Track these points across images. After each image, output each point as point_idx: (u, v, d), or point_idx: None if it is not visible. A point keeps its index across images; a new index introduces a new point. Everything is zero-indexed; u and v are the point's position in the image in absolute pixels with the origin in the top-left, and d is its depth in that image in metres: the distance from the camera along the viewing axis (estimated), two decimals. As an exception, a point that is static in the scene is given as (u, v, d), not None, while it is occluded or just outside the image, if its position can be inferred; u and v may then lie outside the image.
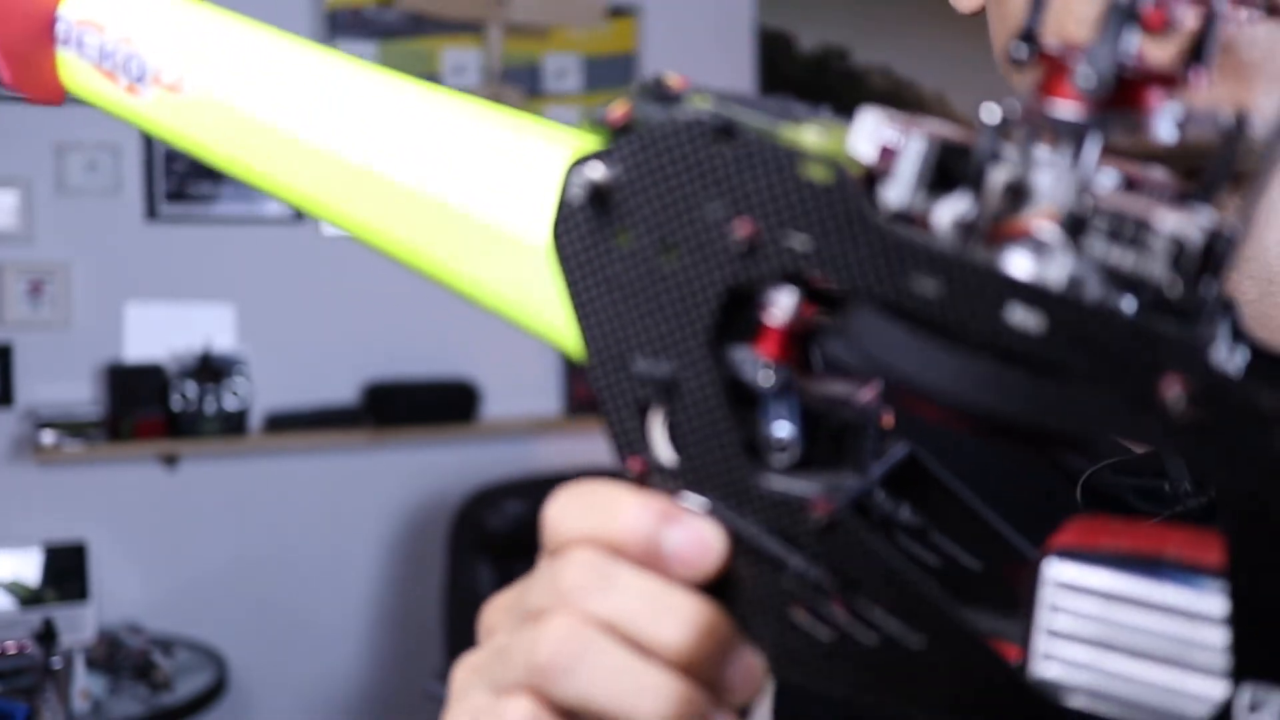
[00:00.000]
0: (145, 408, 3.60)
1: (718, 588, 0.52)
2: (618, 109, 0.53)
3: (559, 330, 0.55)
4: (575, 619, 0.51)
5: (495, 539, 3.65)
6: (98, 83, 0.63)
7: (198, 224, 3.69)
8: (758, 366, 0.51)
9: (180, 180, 3.67)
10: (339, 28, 3.70)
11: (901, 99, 4.14)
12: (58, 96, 0.66)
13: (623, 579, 0.51)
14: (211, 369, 3.66)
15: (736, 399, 0.51)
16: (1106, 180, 0.46)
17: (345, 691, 3.86)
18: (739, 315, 0.52)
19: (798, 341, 0.51)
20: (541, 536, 0.55)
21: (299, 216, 3.77)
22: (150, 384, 3.62)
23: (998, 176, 0.45)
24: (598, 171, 0.52)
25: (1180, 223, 0.41)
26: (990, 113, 0.44)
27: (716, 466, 0.51)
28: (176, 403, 3.63)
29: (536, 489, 3.74)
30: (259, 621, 3.74)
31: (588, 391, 4.01)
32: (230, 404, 3.68)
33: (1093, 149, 0.46)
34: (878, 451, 0.55)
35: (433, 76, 3.82)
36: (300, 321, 3.76)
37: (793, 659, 0.51)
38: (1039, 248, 0.46)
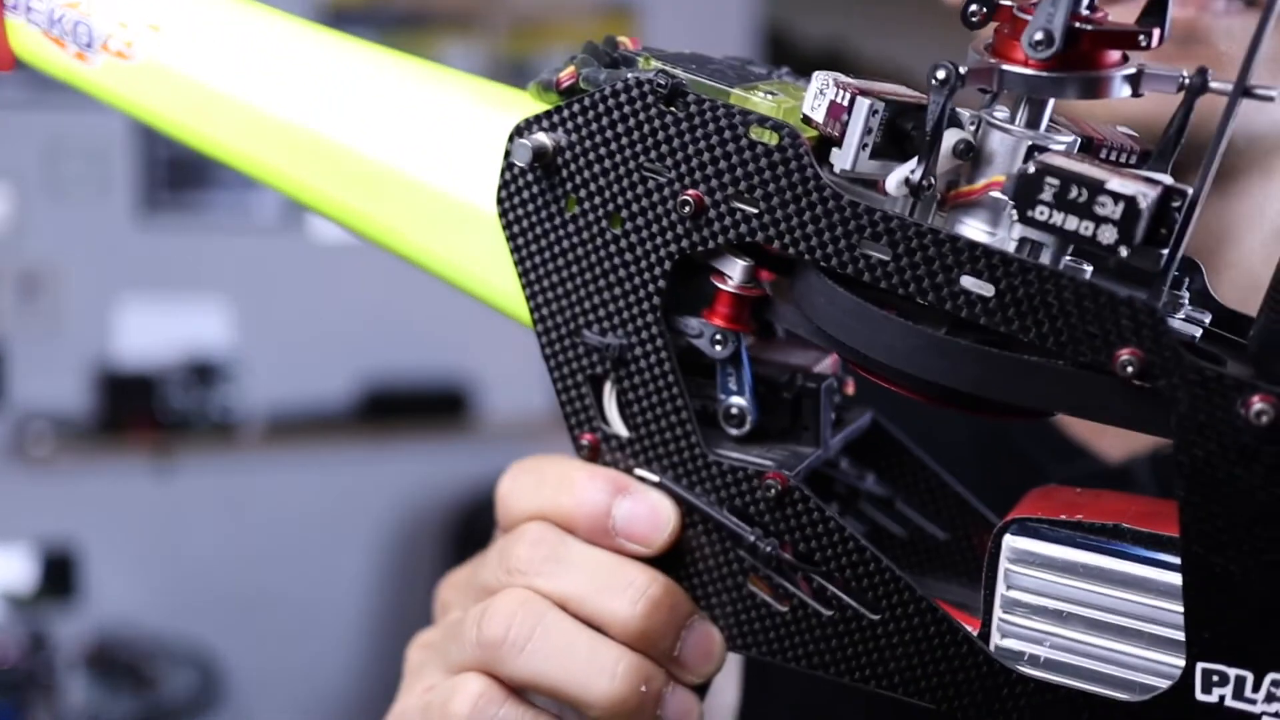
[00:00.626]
0: (138, 409, 3.59)
1: (672, 562, 0.51)
2: (564, 72, 0.52)
3: (512, 300, 0.54)
4: (526, 595, 0.51)
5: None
6: (47, 49, 0.62)
7: (190, 224, 3.68)
8: (710, 334, 0.50)
9: (173, 180, 3.66)
10: (338, 22, 3.68)
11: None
12: (8, 63, 0.65)
13: (574, 554, 0.51)
14: (204, 370, 3.66)
15: (689, 370, 0.51)
16: (1062, 141, 0.45)
17: (339, 693, 3.85)
18: (691, 284, 0.51)
19: (752, 309, 0.50)
20: (497, 514, 0.55)
21: (292, 218, 3.76)
22: (142, 385, 3.61)
23: (950, 139, 0.44)
24: (541, 136, 0.50)
25: (1132, 185, 0.40)
26: (941, 72, 0.43)
27: (669, 439, 0.50)
28: (169, 404, 3.62)
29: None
30: (252, 623, 3.73)
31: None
32: (223, 405, 3.67)
33: (1046, 110, 0.45)
34: (839, 420, 0.54)
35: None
36: (294, 322, 3.76)
37: (751, 632, 0.50)
38: (993, 215, 0.45)
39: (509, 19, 3.93)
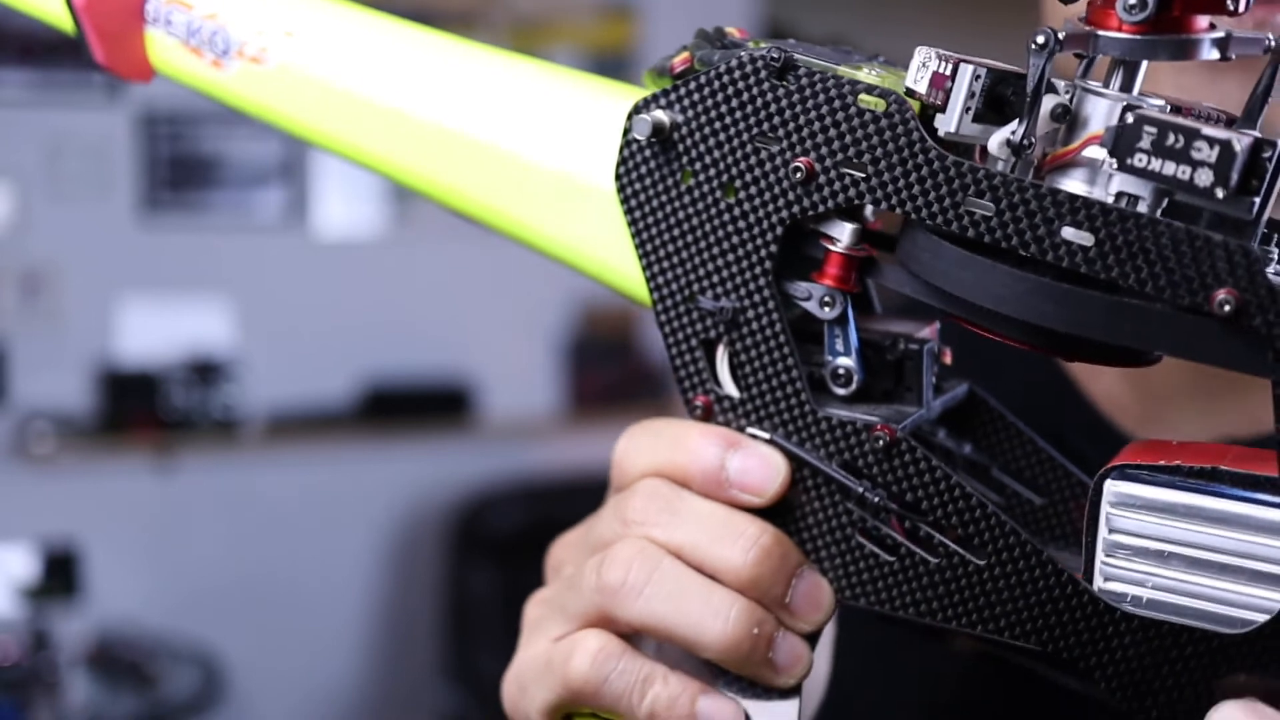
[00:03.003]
0: (139, 408, 3.59)
1: (783, 515, 0.53)
2: (679, 57, 0.55)
3: (625, 276, 0.56)
4: (642, 544, 0.53)
5: (495, 539, 3.66)
6: (184, 59, 0.66)
7: (192, 223, 3.69)
8: (819, 296, 0.52)
9: (174, 179, 3.67)
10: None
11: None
12: (147, 74, 0.68)
13: (688, 506, 0.53)
14: (206, 369, 3.66)
15: (797, 334, 0.53)
16: (1155, 103, 0.47)
17: (341, 691, 3.85)
18: (798, 251, 0.53)
19: (857, 273, 0.52)
20: (611, 475, 0.56)
21: (294, 217, 3.77)
22: (144, 384, 3.61)
23: (1048, 103, 0.47)
24: (659, 113, 0.53)
25: (1226, 132, 0.42)
26: (1040, 37, 0.45)
27: (780, 398, 0.53)
28: (171, 402, 3.63)
29: (537, 489, 3.74)
30: (254, 622, 3.73)
31: (590, 390, 4.01)
32: (224, 404, 3.68)
33: (1139, 73, 0.47)
34: (937, 388, 0.56)
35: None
36: (296, 321, 3.76)
37: (859, 582, 0.52)
38: (1088, 171, 0.47)
39: (509, 19, 3.94)
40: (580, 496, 4.01)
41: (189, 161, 3.67)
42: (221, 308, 3.71)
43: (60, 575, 3.47)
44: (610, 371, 4.02)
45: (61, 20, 0.68)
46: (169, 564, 3.65)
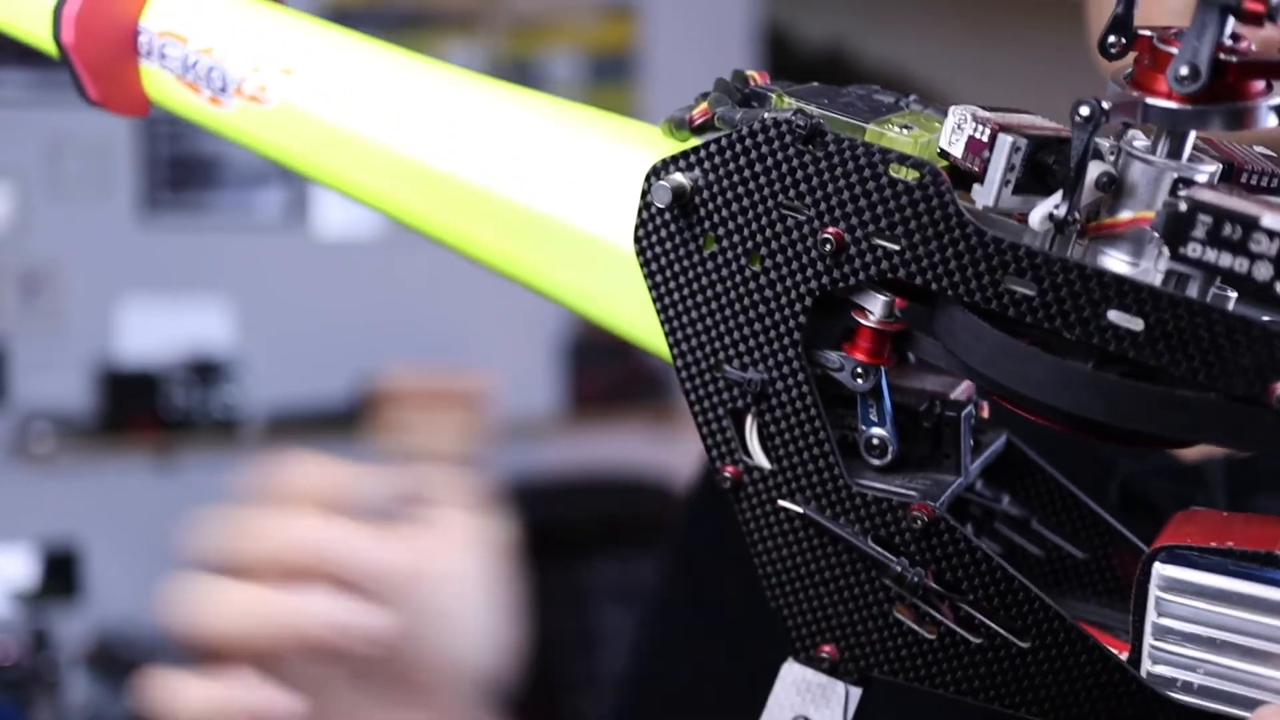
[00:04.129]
0: (140, 408, 3.58)
1: (818, 588, 0.52)
2: (697, 109, 0.52)
3: (647, 333, 0.54)
4: None
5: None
6: (182, 94, 0.63)
7: (192, 223, 3.68)
8: (850, 368, 0.51)
9: (174, 179, 3.66)
10: (338, 22, 3.67)
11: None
12: (143, 109, 0.65)
13: None
14: (206, 369, 3.65)
15: (828, 402, 0.51)
16: (1206, 171, 0.45)
17: (340, 691, 3.85)
18: (830, 318, 0.51)
19: (890, 341, 0.51)
20: None
21: (294, 216, 3.76)
22: (144, 384, 3.60)
23: (1092, 172, 0.45)
24: (679, 176, 0.51)
25: None
26: (1085, 109, 0.44)
27: (812, 471, 0.51)
28: (171, 403, 3.62)
29: (537, 489, 3.73)
30: (254, 622, 3.73)
31: (590, 390, 4.00)
32: (225, 404, 3.67)
33: (1188, 140, 0.45)
34: (976, 444, 0.55)
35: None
36: (296, 321, 3.75)
37: (898, 659, 0.51)
38: (1137, 246, 0.45)
39: (509, 19, 3.93)
40: (580, 496, 4.00)
41: (189, 161, 3.66)
42: (221, 308, 3.70)
43: (60, 575, 3.47)
44: (610, 371, 4.01)
45: (50, 50, 0.65)
46: (169, 564, 3.64)
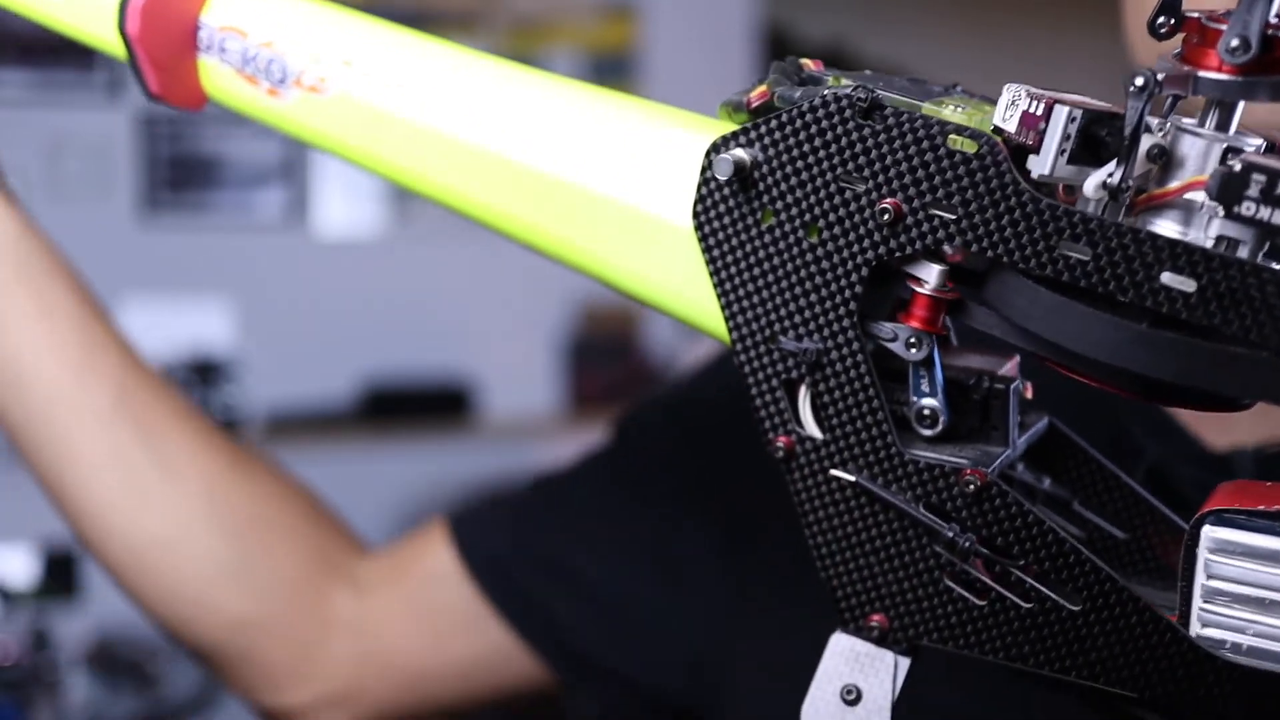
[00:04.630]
0: (140, 408, 3.58)
1: (869, 557, 0.52)
2: (755, 91, 0.54)
3: (703, 312, 0.55)
4: None
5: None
6: (239, 87, 0.64)
7: (192, 224, 3.68)
8: (905, 337, 0.52)
9: (174, 180, 3.66)
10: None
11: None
12: (200, 102, 0.67)
13: None
14: (206, 369, 3.65)
15: (879, 370, 0.52)
16: (1253, 143, 0.46)
17: (340, 691, 3.85)
18: (883, 290, 0.52)
19: (944, 309, 0.52)
20: None
21: (294, 216, 3.76)
22: (144, 384, 3.60)
23: (1144, 144, 0.46)
24: (739, 151, 0.52)
25: None
26: (1140, 79, 0.45)
27: (865, 440, 0.52)
28: (171, 403, 3.62)
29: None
30: (255, 621, 3.73)
31: (590, 390, 4.01)
32: (225, 403, 3.67)
33: (1236, 113, 0.47)
34: (1020, 424, 0.55)
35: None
36: (296, 321, 3.76)
37: (949, 626, 0.51)
38: (1186, 214, 0.46)
39: (509, 19, 3.94)
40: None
41: (189, 161, 3.66)
42: (221, 308, 3.70)
43: (60, 575, 3.46)
44: (610, 371, 4.02)
45: (114, 48, 0.67)
46: (169, 564, 3.64)
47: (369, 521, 3.86)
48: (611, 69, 4.02)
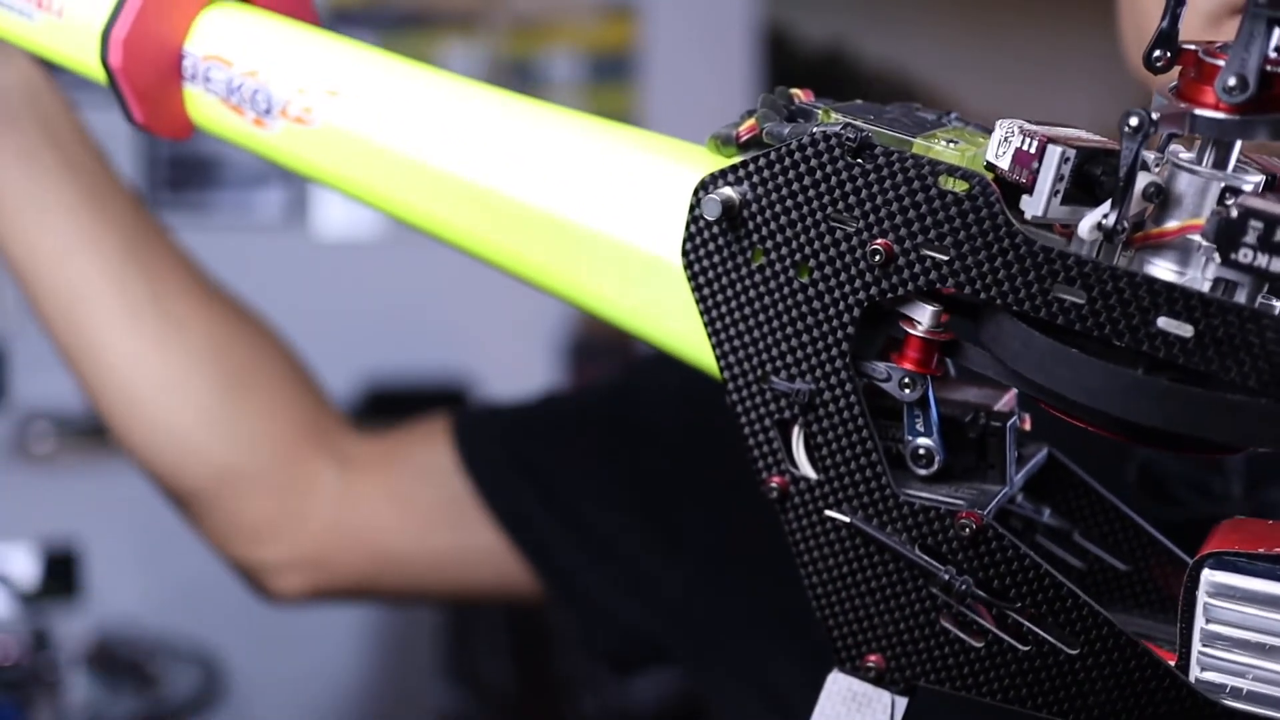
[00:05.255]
0: (139, 408, 3.58)
1: (864, 598, 0.52)
2: (744, 125, 0.53)
3: (697, 349, 0.55)
4: None
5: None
6: (225, 117, 0.64)
7: (192, 223, 3.67)
8: (898, 378, 0.51)
9: (174, 179, 3.65)
10: (338, 22, 3.67)
11: (911, 99, 4.12)
12: (186, 132, 0.67)
13: None
14: (206, 369, 3.65)
15: (873, 414, 0.52)
16: (1251, 181, 0.46)
17: (341, 691, 3.85)
18: (874, 332, 0.52)
19: (937, 350, 0.52)
20: None
21: (294, 216, 3.75)
22: (144, 384, 3.60)
23: (1140, 182, 0.45)
24: (728, 190, 0.51)
25: None
26: (1134, 119, 0.44)
27: (859, 480, 0.52)
28: (171, 403, 3.61)
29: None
30: (256, 622, 3.71)
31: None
32: (225, 404, 3.66)
33: (1234, 151, 0.46)
34: (1018, 457, 0.55)
35: (426, 76, 3.82)
36: (296, 320, 3.73)
37: (944, 668, 0.51)
38: (1183, 255, 0.46)
39: (509, 19, 3.93)
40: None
41: (189, 161, 3.66)
42: (222, 307, 3.70)
43: (60, 575, 3.46)
44: (609, 371, 4.00)
45: (97, 75, 0.67)
46: (169, 564, 3.64)
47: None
48: (611, 69, 4.02)
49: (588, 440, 0.99)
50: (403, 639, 3.89)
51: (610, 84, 4.01)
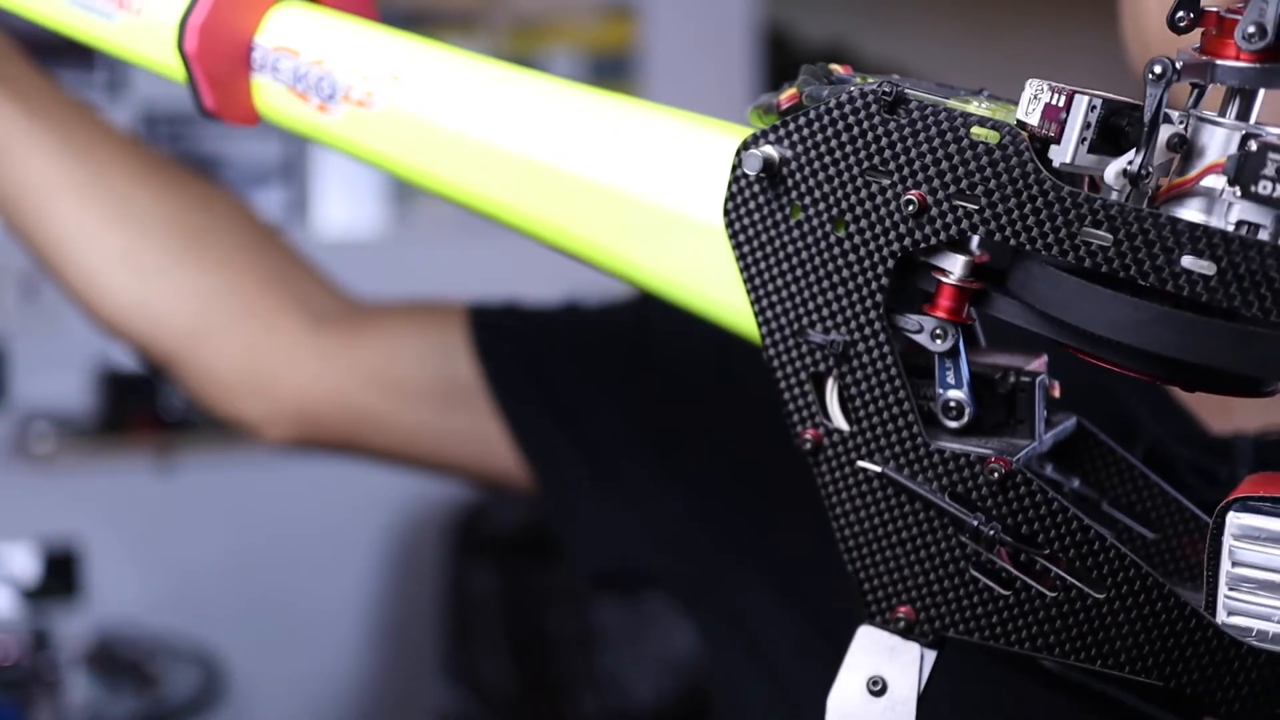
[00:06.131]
0: (140, 408, 3.58)
1: (894, 548, 0.52)
2: (785, 94, 0.55)
3: (732, 310, 0.57)
4: None
5: (495, 539, 3.65)
6: (290, 104, 0.67)
7: (192, 223, 3.68)
8: (930, 328, 0.52)
9: (174, 180, 3.66)
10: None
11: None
12: (252, 119, 0.70)
13: None
14: (206, 369, 3.65)
15: (906, 366, 0.53)
16: (1274, 130, 0.47)
17: (341, 691, 3.85)
18: (906, 286, 0.53)
19: (968, 299, 0.52)
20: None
21: (295, 215, 3.76)
22: (144, 384, 3.60)
23: (1164, 133, 0.47)
24: (769, 148, 0.53)
25: None
26: (1158, 66, 0.46)
27: (891, 431, 0.53)
28: (171, 402, 3.62)
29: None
30: (256, 621, 3.73)
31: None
32: (225, 404, 3.66)
33: (1256, 102, 0.47)
34: (1048, 421, 0.56)
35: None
36: (295, 321, 3.75)
37: (973, 617, 0.52)
38: (1206, 202, 0.47)
39: (509, 19, 3.94)
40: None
41: (189, 161, 3.65)
42: (222, 307, 3.70)
43: (61, 575, 3.46)
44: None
45: (172, 69, 0.70)
46: (169, 564, 3.65)
47: (370, 521, 3.87)
48: (611, 69, 4.02)
49: (606, 358, 1.01)
50: (403, 639, 3.89)
51: (610, 84, 4.01)
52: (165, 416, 3.62)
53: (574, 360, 1.01)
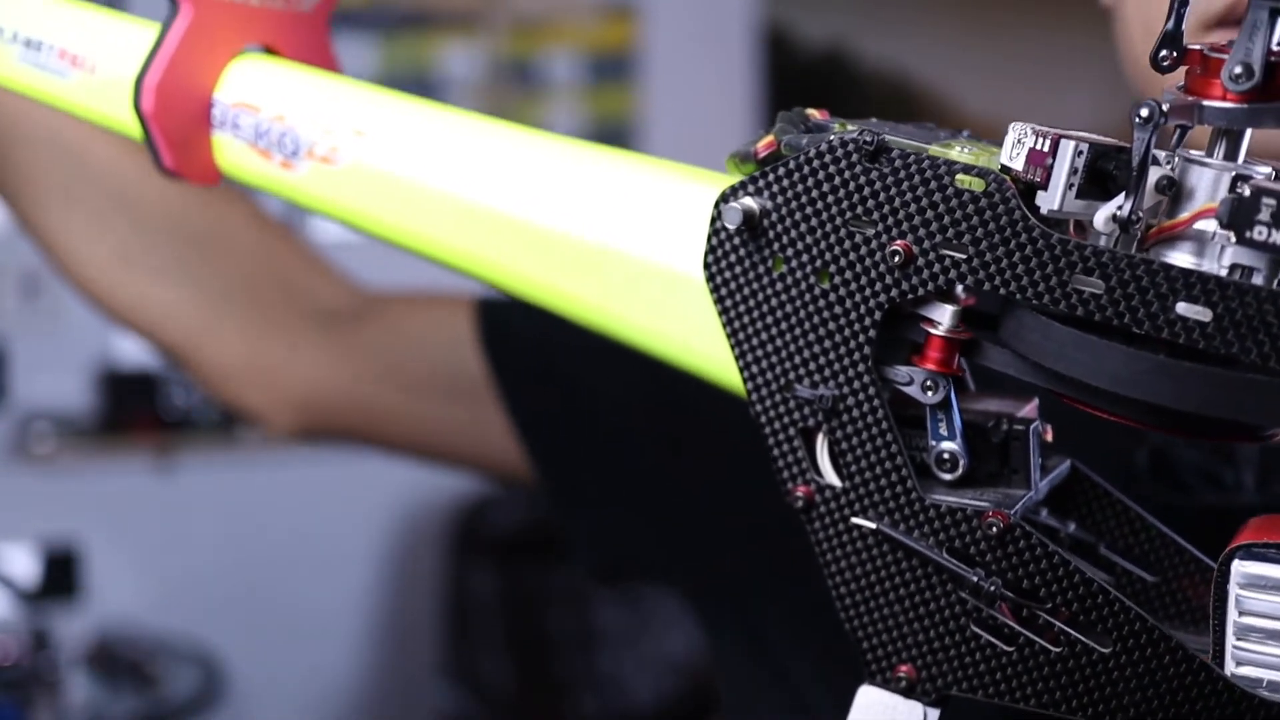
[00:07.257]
0: (139, 408, 3.58)
1: (892, 607, 0.52)
2: (762, 142, 0.54)
3: (717, 365, 0.55)
4: None
5: (495, 539, 3.65)
6: (253, 161, 0.65)
7: (191, 223, 3.67)
8: (920, 380, 0.51)
9: (174, 179, 3.65)
10: (337, 22, 3.66)
11: (911, 100, 4.12)
12: (214, 178, 0.68)
13: None
14: (206, 369, 3.64)
15: (896, 417, 0.52)
16: (1262, 171, 0.46)
17: (341, 691, 3.85)
18: (894, 337, 0.52)
19: (958, 350, 0.52)
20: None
21: (294, 217, 3.75)
22: (144, 384, 3.60)
23: (1153, 175, 0.46)
24: (748, 200, 0.52)
25: None
26: (1145, 110, 0.45)
27: (885, 487, 0.51)
28: (171, 403, 3.61)
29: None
30: (256, 621, 3.72)
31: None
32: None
33: (1243, 142, 0.47)
34: (1041, 467, 0.55)
35: (434, 72, 3.81)
36: (295, 321, 3.74)
37: (977, 675, 0.51)
38: (1198, 245, 0.47)
39: (509, 19, 3.93)
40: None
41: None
42: (221, 307, 3.69)
43: (60, 575, 3.46)
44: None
45: (129, 128, 0.68)
46: (169, 564, 3.64)
47: (369, 521, 3.87)
48: (611, 69, 4.02)
49: (612, 353, 1.01)
50: (403, 639, 3.89)
51: (610, 84, 4.01)
52: (165, 416, 3.61)
53: (580, 355, 0.99)
